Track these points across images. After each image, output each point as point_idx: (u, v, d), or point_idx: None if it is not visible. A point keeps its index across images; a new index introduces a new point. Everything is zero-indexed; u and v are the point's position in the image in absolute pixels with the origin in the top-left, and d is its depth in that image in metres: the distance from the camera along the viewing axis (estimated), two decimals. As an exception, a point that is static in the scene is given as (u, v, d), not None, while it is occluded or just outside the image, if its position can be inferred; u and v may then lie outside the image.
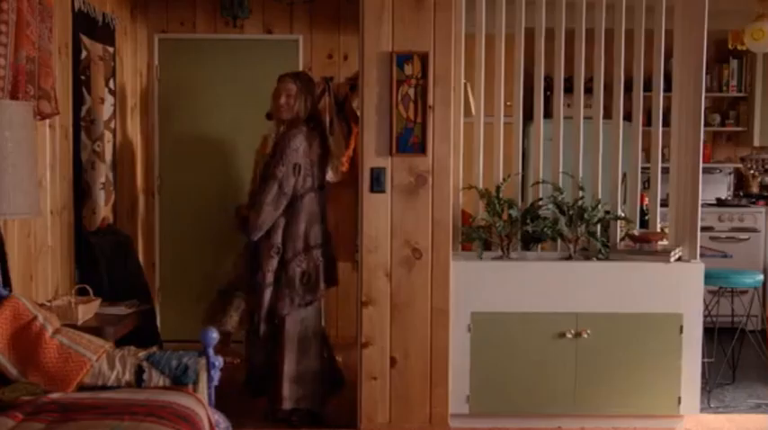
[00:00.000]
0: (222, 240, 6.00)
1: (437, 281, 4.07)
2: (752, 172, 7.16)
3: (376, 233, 4.05)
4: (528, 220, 4.24)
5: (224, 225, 5.97)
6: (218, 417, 2.85)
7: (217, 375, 2.96)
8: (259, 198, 4.11)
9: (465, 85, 4.50)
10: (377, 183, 4.04)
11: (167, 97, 5.99)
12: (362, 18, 4.05)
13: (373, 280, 4.08)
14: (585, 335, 4.12)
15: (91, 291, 3.93)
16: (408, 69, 4.04)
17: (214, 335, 2.94)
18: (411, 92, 4.04)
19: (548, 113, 4.46)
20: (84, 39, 4.50)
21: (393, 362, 4.09)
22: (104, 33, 4.85)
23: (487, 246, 4.25)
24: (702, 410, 4.35)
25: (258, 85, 5.98)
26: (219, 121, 6.00)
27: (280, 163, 4.07)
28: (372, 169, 4.06)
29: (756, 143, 6.96)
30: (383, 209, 4.06)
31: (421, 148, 4.05)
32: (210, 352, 2.94)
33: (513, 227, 4.21)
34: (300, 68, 5.98)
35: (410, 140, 4.06)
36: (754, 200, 6.91)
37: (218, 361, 2.95)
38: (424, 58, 4.02)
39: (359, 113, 4.29)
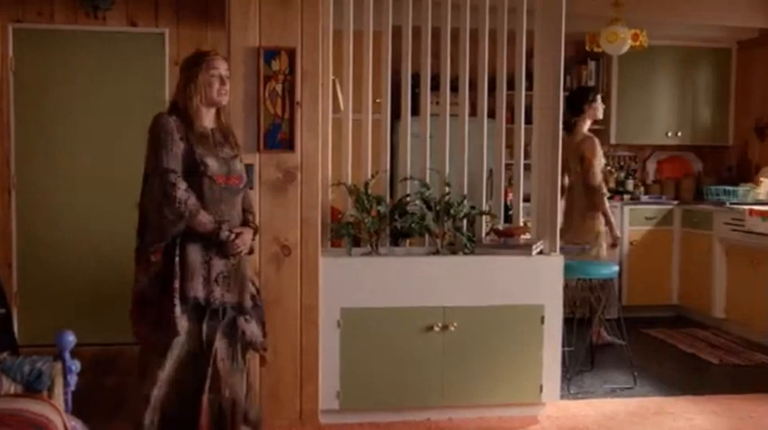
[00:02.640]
0: (85, 241, 5.79)
1: (306, 277, 4.06)
2: (609, 168, 7.52)
3: (244, 230, 4.00)
4: (396, 216, 4.29)
5: (88, 224, 5.77)
6: (74, 423, 2.74)
7: (74, 380, 2.84)
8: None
9: (333, 81, 4.51)
10: (244, 179, 3.98)
11: (24, 90, 5.71)
12: (228, 12, 3.99)
13: (242, 278, 4.02)
14: (452, 328, 4.21)
15: (-63, 296, 3.70)
16: (276, 65, 4.00)
17: (70, 338, 2.82)
18: (279, 87, 4.01)
19: (416, 111, 4.53)
20: (-72, 27, 4.23)
21: (262, 360, 4.03)
22: (-49, 21, 4.57)
23: (356, 242, 4.27)
24: (563, 397, 4.53)
25: (122, 79, 5.80)
26: (81, 116, 5.77)
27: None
28: (240, 165, 4.00)
29: (613, 141, 7.33)
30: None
31: (289, 145, 4.02)
32: (67, 355, 2.82)
33: (381, 223, 4.25)
34: (167, 63, 5.85)
35: (278, 136, 4.03)
36: (611, 194, 7.26)
37: (75, 365, 2.83)
38: (291, 54, 4.00)
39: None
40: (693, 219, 6.88)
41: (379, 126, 4.41)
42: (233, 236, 3.30)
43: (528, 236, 4.50)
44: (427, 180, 4.38)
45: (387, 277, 4.19)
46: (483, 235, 4.47)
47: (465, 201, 4.37)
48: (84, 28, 5.72)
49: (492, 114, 4.55)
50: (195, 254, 3.25)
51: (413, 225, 4.29)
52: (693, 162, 7.68)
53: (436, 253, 4.32)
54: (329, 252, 4.24)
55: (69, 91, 5.74)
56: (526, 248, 4.32)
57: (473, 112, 4.56)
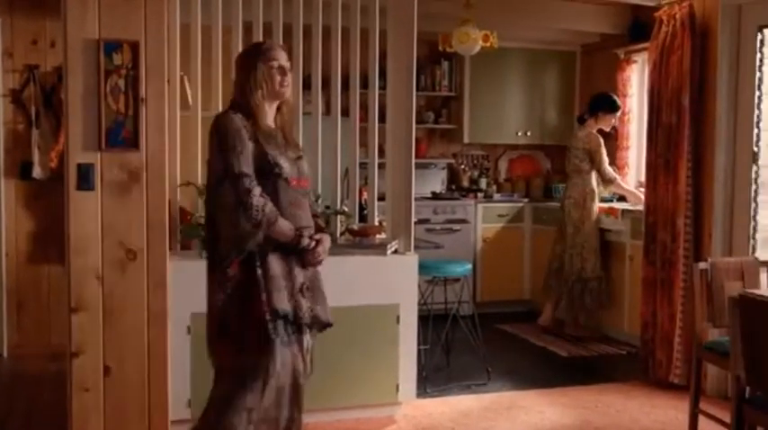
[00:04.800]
0: None
1: (154, 282, 3.85)
2: (462, 167, 7.67)
3: (84, 233, 3.76)
4: (249, 217, 4.16)
5: None
6: None
7: None
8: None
9: (182, 77, 4.34)
10: (84, 180, 3.75)
11: None
12: (64, 1, 3.73)
13: (83, 284, 3.77)
14: (308, 331, 4.13)
15: None
16: (118, 59, 3.78)
17: None
18: (121, 82, 3.79)
19: (268, 108, 4.42)
20: None
21: (107, 370, 3.82)
22: None
23: (208, 245, 4.12)
24: (419, 395, 4.56)
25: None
26: None
27: None
28: (79, 165, 3.76)
29: (466, 140, 7.46)
30: (92, 208, 3.77)
31: (133, 143, 3.80)
32: None
33: (233, 224, 4.11)
34: (0, 55, 5.46)
35: (121, 134, 3.80)
36: (465, 193, 7.40)
37: None
38: (134, 48, 3.78)
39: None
40: (543, 216, 7.11)
41: (231, 124, 4.27)
42: (313, 243, 3.06)
43: (383, 235, 4.49)
44: (281, 179, 4.28)
45: (239, 280, 4.05)
46: (338, 235, 4.42)
47: (319, 201, 4.30)
48: None
49: (346, 113, 4.51)
50: (276, 263, 2.98)
51: (266, 225, 4.18)
52: (542, 161, 7.95)
53: (290, 254, 4.22)
54: (180, 255, 4.08)
55: None
56: (381, 248, 4.31)
57: (327, 111, 4.50)
